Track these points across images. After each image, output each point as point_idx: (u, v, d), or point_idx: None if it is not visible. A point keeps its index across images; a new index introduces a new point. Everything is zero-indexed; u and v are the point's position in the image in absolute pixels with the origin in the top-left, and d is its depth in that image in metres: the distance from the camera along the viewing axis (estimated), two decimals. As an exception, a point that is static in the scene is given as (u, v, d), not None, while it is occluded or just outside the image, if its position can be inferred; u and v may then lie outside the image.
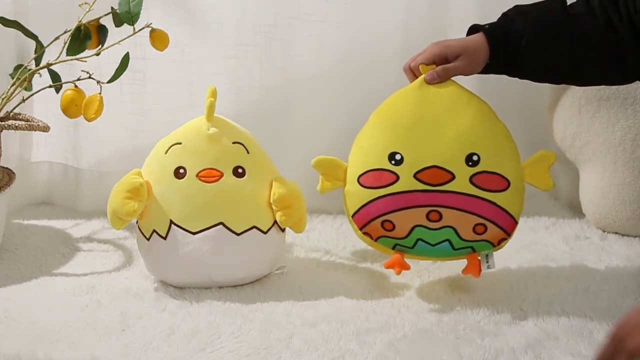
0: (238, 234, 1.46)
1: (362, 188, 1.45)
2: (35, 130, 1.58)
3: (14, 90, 1.59)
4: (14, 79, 1.60)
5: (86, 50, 1.58)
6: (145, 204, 1.47)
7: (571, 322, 1.38)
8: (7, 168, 1.68)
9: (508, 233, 1.44)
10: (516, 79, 1.51)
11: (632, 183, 1.73)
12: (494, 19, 1.48)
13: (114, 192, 1.48)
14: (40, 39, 1.61)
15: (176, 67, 1.85)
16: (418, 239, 1.43)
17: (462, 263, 1.61)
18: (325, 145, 1.65)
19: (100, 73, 1.57)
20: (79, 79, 1.57)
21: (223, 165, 1.49)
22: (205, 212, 1.46)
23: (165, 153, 1.50)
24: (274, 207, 1.49)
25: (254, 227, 1.48)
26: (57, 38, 1.59)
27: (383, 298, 1.48)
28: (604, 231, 1.78)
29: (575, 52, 1.43)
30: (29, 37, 1.61)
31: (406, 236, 1.44)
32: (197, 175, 1.47)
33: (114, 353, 1.28)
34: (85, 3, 1.57)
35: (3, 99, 1.58)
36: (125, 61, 1.57)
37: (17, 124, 1.56)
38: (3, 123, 1.57)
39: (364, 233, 1.46)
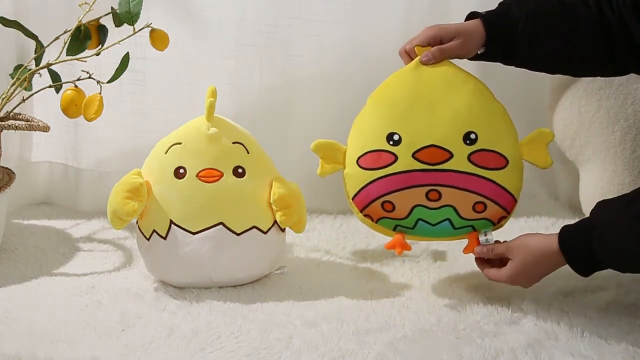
0: (238, 234, 1.46)
1: (361, 170, 1.45)
2: (35, 130, 1.58)
3: (14, 90, 1.59)
4: (14, 79, 1.60)
5: (86, 50, 1.58)
6: (145, 204, 1.48)
7: (571, 322, 1.38)
8: (7, 168, 1.68)
9: (508, 211, 1.45)
10: (515, 75, 1.51)
11: (632, 183, 1.73)
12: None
13: (114, 192, 1.48)
14: (40, 39, 1.61)
15: (176, 67, 1.85)
16: (418, 219, 1.44)
17: (462, 264, 1.61)
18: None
19: (100, 73, 1.57)
20: (79, 79, 1.57)
21: (223, 165, 1.49)
22: (205, 212, 1.46)
23: (165, 153, 1.50)
24: (274, 207, 1.49)
25: (254, 227, 1.48)
26: (57, 38, 1.59)
27: (383, 298, 1.48)
28: (604, 231, 1.78)
29: (569, 41, 1.44)
30: (29, 37, 1.61)
31: (406, 216, 1.44)
32: (197, 175, 1.47)
33: (114, 353, 1.28)
34: (85, 3, 1.57)
35: (3, 99, 1.58)
36: (125, 61, 1.57)
37: (17, 124, 1.56)
38: (3, 123, 1.57)
39: (365, 215, 1.46)
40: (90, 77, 1.56)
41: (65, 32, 1.58)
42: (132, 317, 1.39)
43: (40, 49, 1.60)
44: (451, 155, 1.42)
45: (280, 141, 1.87)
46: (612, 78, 1.70)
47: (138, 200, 1.46)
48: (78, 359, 1.26)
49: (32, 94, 1.64)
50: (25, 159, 1.92)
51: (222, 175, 1.48)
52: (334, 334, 1.34)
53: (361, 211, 1.46)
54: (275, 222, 1.50)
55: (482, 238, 1.44)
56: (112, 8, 1.58)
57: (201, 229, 1.46)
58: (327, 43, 1.86)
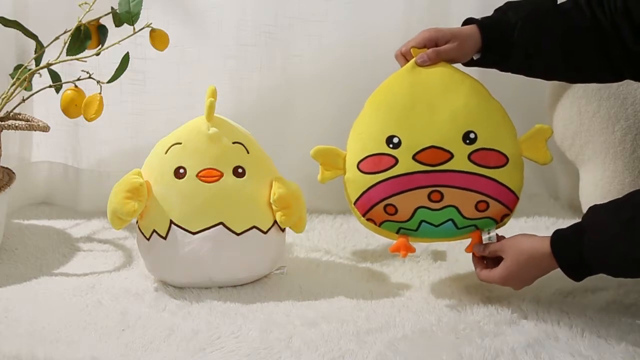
0: (238, 234, 1.46)
1: (362, 174, 1.45)
2: (35, 130, 1.58)
3: (14, 90, 1.59)
4: (14, 79, 1.60)
5: (86, 50, 1.58)
6: (145, 204, 1.48)
7: (571, 322, 1.38)
8: (7, 168, 1.68)
9: (510, 209, 1.45)
10: (511, 77, 1.51)
11: (632, 183, 1.73)
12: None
13: (114, 192, 1.48)
14: (40, 39, 1.61)
15: (176, 67, 1.85)
16: (421, 221, 1.44)
17: (463, 265, 1.61)
18: (325, 144, 1.65)
19: (100, 73, 1.57)
20: (79, 79, 1.57)
21: (223, 165, 1.49)
22: (205, 212, 1.46)
23: (165, 153, 1.50)
24: (274, 207, 1.49)
25: (254, 227, 1.48)
26: (57, 38, 1.59)
27: (383, 298, 1.48)
28: (604, 231, 1.78)
29: (564, 46, 1.44)
30: (29, 37, 1.61)
31: (409, 219, 1.44)
32: (197, 175, 1.47)
33: (114, 353, 1.28)
34: (85, 3, 1.57)
35: (3, 99, 1.58)
36: (125, 61, 1.57)
37: (17, 124, 1.56)
38: (3, 123, 1.57)
39: (368, 219, 1.46)
40: (90, 77, 1.56)
41: (65, 32, 1.58)
42: (132, 317, 1.39)
43: (40, 49, 1.60)
44: (451, 156, 1.42)
45: (280, 141, 1.87)
46: (612, 78, 1.70)
47: (138, 200, 1.46)
48: (78, 359, 1.26)
49: (32, 94, 1.64)
50: (25, 159, 1.92)
51: (222, 175, 1.48)
52: (334, 334, 1.34)
53: (363, 215, 1.46)
54: (275, 222, 1.50)
55: (484, 236, 1.44)
56: (112, 8, 1.58)
57: (201, 229, 1.46)
58: (327, 43, 1.86)
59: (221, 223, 1.46)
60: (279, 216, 1.49)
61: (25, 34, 1.61)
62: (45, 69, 1.60)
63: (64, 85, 1.61)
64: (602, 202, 1.32)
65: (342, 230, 1.82)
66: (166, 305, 1.44)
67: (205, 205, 1.46)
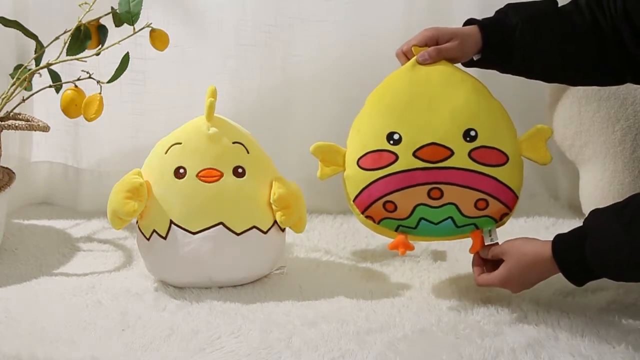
0: (238, 234, 1.46)
1: (362, 170, 1.45)
2: (35, 130, 1.58)
3: (14, 90, 1.59)
4: (14, 79, 1.60)
5: (86, 50, 1.58)
6: (145, 204, 1.47)
7: (571, 322, 1.38)
8: (7, 168, 1.68)
9: (509, 208, 1.44)
10: (511, 77, 1.51)
11: (632, 183, 1.73)
12: (494, 19, 1.49)
13: (114, 192, 1.48)
14: (40, 39, 1.61)
15: (176, 67, 1.85)
16: (421, 218, 1.43)
17: (463, 265, 1.61)
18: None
19: (100, 73, 1.57)
20: (79, 79, 1.57)
21: (223, 165, 1.49)
22: (205, 212, 1.46)
23: (165, 153, 1.50)
24: (274, 207, 1.49)
25: (254, 227, 1.48)
26: (57, 38, 1.59)
27: (383, 298, 1.48)
28: (604, 231, 1.78)
29: (564, 49, 1.45)
30: (29, 37, 1.61)
31: (408, 216, 1.44)
32: (197, 175, 1.47)
33: (114, 353, 1.28)
34: (85, 3, 1.57)
35: (3, 99, 1.58)
36: (125, 61, 1.57)
37: (17, 124, 1.56)
38: (3, 123, 1.57)
39: (367, 217, 1.46)
40: (90, 77, 1.56)
41: (65, 32, 1.58)
42: (132, 317, 1.39)
43: (40, 49, 1.60)
44: (452, 153, 1.42)
45: (280, 141, 1.87)
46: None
47: (138, 200, 1.46)
48: (78, 359, 1.26)
49: (32, 94, 1.64)
50: (25, 159, 1.92)
51: (222, 175, 1.48)
52: (334, 334, 1.34)
53: (362, 213, 1.46)
54: (275, 222, 1.50)
55: (486, 238, 1.44)
56: (112, 8, 1.58)
57: (201, 229, 1.46)
58: (327, 43, 1.86)
59: (221, 223, 1.46)
60: (279, 216, 1.49)
61: (25, 34, 1.61)
62: (45, 69, 1.60)
63: (64, 85, 1.61)
64: (602, 205, 1.32)
65: (342, 230, 1.82)
66: (166, 305, 1.44)
67: (205, 205, 1.46)
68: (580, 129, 1.79)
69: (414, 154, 1.42)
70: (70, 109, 1.58)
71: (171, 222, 1.46)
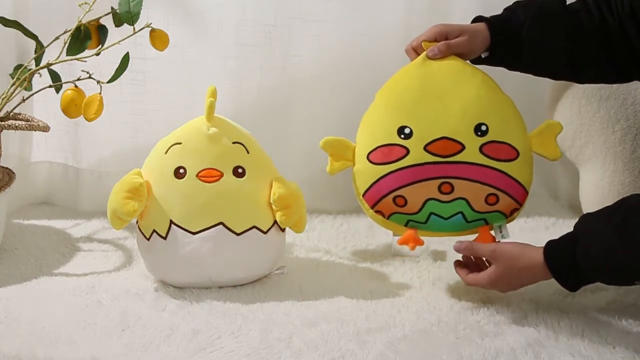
0: (238, 234, 1.46)
1: (372, 165, 1.45)
2: (35, 130, 1.58)
3: (14, 90, 1.59)
4: (14, 79, 1.60)
5: (86, 50, 1.58)
6: (145, 204, 1.47)
7: (571, 322, 1.38)
8: (7, 168, 1.68)
9: (520, 203, 1.44)
10: (516, 75, 1.51)
11: (632, 183, 1.73)
12: (495, 18, 1.49)
13: (114, 192, 1.48)
14: (40, 39, 1.61)
15: (176, 67, 1.85)
16: (431, 213, 1.43)
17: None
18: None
19: (100, 73, 1.57)
20: (79, 79, 1.57)
21: (223, 165, 1.49)
22: (205, 212, 1.46)
23: (165, 153, 1.50)
24: (274, 207, 1.49)
25: (254, 227, 1.48)
26: (57, 38, 1.59)
27: (383, 298, 1.48)
28: (604, 231, 1.78)
29: (572, 46, 1.45)
30: (29, 37, 1.61)
31: (418, 211, 1.43)
32: (197, 175, 1.47)
33: (114, 353, 1.28)
34: (85, 3, 1.57)
35: (3, 99, 1.58)
36: (125, 61, 1.57)
37: (17, 124, 1.56)
38: (3, 123, 1.57)
39: (376, 212, 1.45)
40: (90, 77, 1.56)
41: (65, 32, 1.58)
42: (132, 317, 1.39)
43: (40, 49, 1.60)
44: (463, 147, 1.42)
45: (280, 141, 1.87)
46: (612, 78, 1.70)
47: (138, 200, 1.46)
48: (78, 359, 1.26)
49: (32, 94, 1.64)
50: (25, 159, 1.92)
51: (222, 175, 1.48)
52: (334, 334, 1.34)
53: (372, 207, 1.45)
54: (275, 222, 1.50)
55: (497, 235, 1.44)
56: (112, 8, 1.58)
57: (201, 229, 1.46)
58: (327, 43, 1.86)
59: (221, 223, 1.46)
60: (279, 216, 1.49)
61: (25, 34, 1.61)
62: (45, 69, 1.60)
63: (64, 85, 1.61)
64: (603, 205, 1.32)
65: (342, 230, 1.82)
66: (166, 305, 1.44)
67: (205, 205, 1.46)
68: (580, 129, 1.79)
69: (425, 148, 1.42)
70: (70, 109, 1.58)
71: (171, 222, 1.46)
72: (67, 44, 1.57)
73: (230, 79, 1.86)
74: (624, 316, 1.40)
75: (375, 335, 1.33)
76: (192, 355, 1.28)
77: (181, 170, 1.48)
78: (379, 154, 1.44)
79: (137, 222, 1.51)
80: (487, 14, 1.51)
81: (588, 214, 1.32)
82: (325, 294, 1.49)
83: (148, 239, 1.48)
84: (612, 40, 1.43)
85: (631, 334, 1.34)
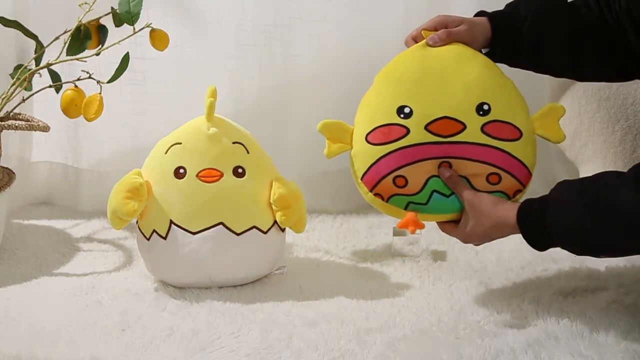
0: (238, 234, 1.46)
1: (371, 146, 1.42)
2: (35, 130, 1.58)
3: (14, 90, 1.59)
4: (14, 79, 1.60)
5: (86, 50, 1.58)
6: (145, 204, 1.48)
7: (571, 322, 1.38)
8: (7, 168, 1.68)
9: (523, 184, 1.42)
10: (516, 75, 1.51)
11: (632, 183, 1.73)
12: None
13: (114, 192, 1.48)
14: (40, 39, 1.61)
15: (176, 67, 1.85)
16: (433, 191, 1.40)
17: (462, 264, 1.61)
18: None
19: (100, 73, 1.57)
20: (79, 79, 1.57)
21: (223, 165, 1.49)
22: (205, 212, 1.46)
23: (165, 153, 1.50)
24: (274, 207, 1.49)
25: (254, 227, 1.48)
26: (57, 38, 1.59)
27: (383, 298, 1.48)
28: (604, 231, 1.78)
29: (574, 42, 1.44)
30: (29, 37, 1.61)
31: (420, 190, 1.40)
32: (197, 175, 1.47)
33: (114, 353, 1.28)
34: (85, 3, 1.57)
35: (3, 99, 1.58)
36: (125, 61, 1.57)
37: (17, 124, 1.56)
38: (3, 123, 1.57)
39: (375, 194, 1.42)
40: (90, 77, 1.56)
41: (65, 32, 1.58)
42: (132, 317, 1.39)
43: (40, 49, 1.60)
44: (464, 127, 1.40)
45: (280, 141, 1.87)
46: (612, 78, 1.70)
47: (138, 200, 1.46)
48: (78, 359, 1.26)
49: (32, 94, 1.64)
50: (25, 159, 1.92)
51: (222, 175, 1.48)
52: (334, 334, 1.34)
53: (371, 190, 1.42)
54: (275, 222, 1.50)
55: None
56: (112, 8, 1.58)
57: (201, 229, 1.46)
58: (327, 43, 1.86)
59: (221, 223, 1.46)
60: (279, 216, 1.49)
61: (25, 34, 1.61)
62: (45, 69, 1.60)
63: (64, 85, 1.61)
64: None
65: (342, 230, 1.82)
66: (166, 305, 1.44)
67: (205, 205, 1.46)
68: (580, 128, 1.79)
69: (426, 128, 1.40)
70: (70, 109, 1.58)
71: (171, 222, 1.46)
72: (67, 44, 1.57)
73: (230, 79, 1.86)
74: (624, 316, 1.40)
75: (375, 335, 1.33)
76: (192, 355, 1.28)
77: (181, 170, 1.48)
78: (378, 134, 1.42)
79: (137, 222, 1.51)
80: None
81: (565, 181, 1.32)
82: (325, 294, 1.49)
83: (148, 239, 1.49)
84: (611, 37, 1.43)
85: (631, 334, 1.34)
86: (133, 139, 1.88)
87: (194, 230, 1.46)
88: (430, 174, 1.40)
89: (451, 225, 1.42)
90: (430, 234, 1.67)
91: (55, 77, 1.63)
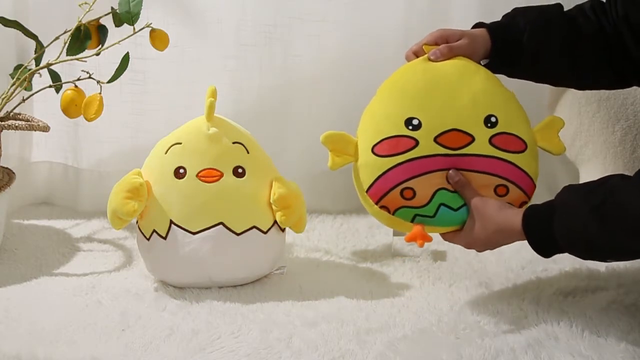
0: (238, 234, 1.46)
1: (377, 157, 1.41)
2: (35, 130, 1.58)
3: (14, 90, 1.59)
4: (14, 79, 1.60)
5: (86, 50, 1.58)
6: (145, 204, 1.48)
7: (571, 322, 1.38)
8: (7, 168, 1.68)
9: (528, 195, 1.42)
10: (515, 81, 1.51)
11: (632, 183, 1.73)
12: (495, 19, 1.49)
13: (114, 192, 1.48)
14: (40, 39, 1.61)
15: (176, 67, 1.85)
16: (440, 204, 1.40)
17: (462, 263, 1.61)
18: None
19: (100, 73, 1.57)
20: (79, 79, 1.57)
21: (223, 165, 1.49)
22: (205, 212, 1.46)
23: (165, 153, 1.50)
24: (274, 207, 1.49)
25: (254, 227, 1.48)
26: (57, 38, 1.59)
27: (383, 298, 1.48)
28: (604, 231, 1.78)
29: (572, 52, 1.45)
30: (29, 37, 1.61)
31: (428, 202, 1.40)
32: (197, 175, 1.47)
33: (114, 353, 1.28)
34: (85, 3, 1.57)
35: (3, 99, 1.58)
36: (125, 61, 1.57)
37: (17, 124, 1.56)
38: (3, 123, 1.57)
39: (381, 207, 1.41)
40: (90, 77, 1.56)
41: (65, 32, 1.58)
42: (132, 317, 1.39)
43: (40, 49, 1.60)
44: (473, 139, 1.40)
45: (280, 141, 1.87)
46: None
47: (138, 200, 1.46)
48: (78, 359, 1.26)
49: (32, 94, 1.64)
50: (25, 159, 1.92)
51: (222, 175, 1.48)
52: (334, 334, 1.34)
53: (377, 202, 1.41)
54: (275, 222, 1.50)
55: None
56: (112, 8, 1.58)
57: (201, 229, 1.46)
58: (327, 43, 1.86)
59: (221, 223, 1.46)
60: (279, 216, 1.49)
61: (25, 34, 1.61)
62: (45, 69, 1.60)
63: (64, 85, 1.61)
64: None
65: (342, 230, 1.82)
66: (166, 305, 1.44)
67: (205, 205, 1.46)
68: (580, 129, 1.79)
69: (435, 140, 1.40)
70: (70, 109, 1.58)
71: (171, 222, 1.46)
72: (67, 44, 1.57)
73: (230, 79, 1.86)
74: (624, 316, 1.40)
75: (375, 335, 1.33)
76: (192, 355, 1.28)
77: (181, 170, 1.48)
78: (385, 146, 1.41)
79: (137, 222, 1.51)
80: (487, 14, 1.52)
81: (570, 186, 1.31)
82: (325, 294, 1.49)
83: (148, 239, 1.49)
84: (610, 45, 1.43)
85: (631, 334, 1.34)
86: (133, 139, 1.88)
87: (194, 230, 1.46)
88: (438, 187, 1.40)
89: (453, 232, 1.41)
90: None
91: (55, 77, 1.63)
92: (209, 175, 1.47)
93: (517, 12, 1.48)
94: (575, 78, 1.50)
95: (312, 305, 1.45)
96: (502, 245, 1.38)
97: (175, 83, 1.86)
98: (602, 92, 1.75)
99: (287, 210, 1.50)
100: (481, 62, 1.48)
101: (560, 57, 1.45)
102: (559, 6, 1.48)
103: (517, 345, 1.30)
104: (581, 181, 1.83)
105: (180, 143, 1.50)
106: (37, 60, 1.61)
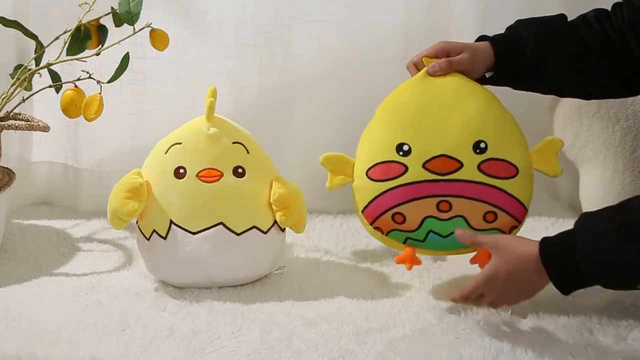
0: (238, 234, 1.46)
1: (371, 181, 1.44)
2: (35, 130, 1.58)
3: (14, 90, 1.59)
4: (14, 79, 1.60)
5: (86, 50, 1.58)
6: (145, 204, 1.48)
7: (571, 322, 1.38)
8: (7, 168, 1.68)
9: (519, 220, 1.44)
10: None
11: (632, 183, 1.73)
12: (494, 20, 1.49)
13: (114, 192, 1.48)
14: (40, 39, 1.61)
15: (176, 67, 1.85)
16: (429, 231, 1.43)
17: (463, 263, 1.61)
18: (325, 145, 1.65)
19: (100, 73, 1.57)
20: (79, 79, 1.57)
21: (223, 165, 1.49)
22: (205, 212, 1.46)
23: (165, 153, 1.50)
24: (274, 207, 1.49)
25: (254, 227, 1.48)
26: (57, 38, 1.59)
27: (383, 298, 1.48)
28: (604, 231, 1.78)
29: (577, 62, 1.44)
30: (29, 37, 1.61)
31: (417, 228, 1.43)
32: (197, 175, 1.47)
33: (114, 353, 1.28)
34: (85, 3, 1.57)
35: (3, 99, 1.58)
36: (125, 61, 1.57)
37: (17, 124, 1.56)
38: (3, 123, 1.57)
39: (375, 228, 1.46)
40: (90, 77, 1.56)
41: (65, 32, 1.58)
42: (132, 317, 1.39)
43: (40, 49, 1.60)
44: (461, 165, 1.41)
45: (280, 141, 1.87)
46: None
47: (138, 200, 1.46)
48: (78, 359, 1.26)
49: (32, 94, 1.64)
50: (25, 159, 1.92)
51: (222, 175, 1.48)
52: (334, 334, 1.34)
53: (371, 224, 1.46)
54: (275, 222, 1.50)
55: None
56: (112, 8, 1.58)
57: (201, 229, 1.46)
58: (327, 43, 1.86)
59: (221, 223, 1.46)
60: (279, 216, 1.49)
61: (25, 34, 1.61)
62: (45, 69, 1.60)
63: (64, 85, 1.61)
64: (603, 205, 1.30)
65: (342, 230, 1.82)
66: (166, 305, 1.44)
67: (205, 205, 1.46)
68: (580, 129, 1.79)
69: (424, 166, 1.42)
70: (70, 109, 1.58)
71: (171, 222, 1.46)
72: (67, 44, 1.57)
73: (230, 79, 1.86)
74: (624, 316, 1.40)
75: (375, 335, 1.33)
76: (192, 355, 1.28)
77: (181, 170, 1.48)
78: (377, 171, 1.44)
79: (137, 222, 1.51)
80: (486, 15, 1.51)
81: (588, 213, 1.30)
82: (325, 294, 1.49)
83: (148, 239, 1.49)
84: (615, 53, 1.42)
85: (631, 333, 1.34)
86: (133, 139, 1.88)
87: (194, 230, 1.46)
88: (427, 214, 1.42)
89: (460, 292, 1.38)
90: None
91: (55, 77, 1.63)
92: (209, 175, 1.47)
93: (520, 23, 1.47)
94: (582, 88, 1.50)
95: (312, 305, 1.45)
96: (524, 283, 1.32)
97: (175, 83, 1.87)
98: (602, 92, 1.75)
99: (287, 210, 1.50)
100: (486, 74, 1.48)
101: (566, 68, 1.44)
102: (562, 16, 1.47)
103: (517, 345, 1.30)
104: (581, 181, 1.83)
105: (180, 143, 1.50)
106: (37, 60, 1.61)
